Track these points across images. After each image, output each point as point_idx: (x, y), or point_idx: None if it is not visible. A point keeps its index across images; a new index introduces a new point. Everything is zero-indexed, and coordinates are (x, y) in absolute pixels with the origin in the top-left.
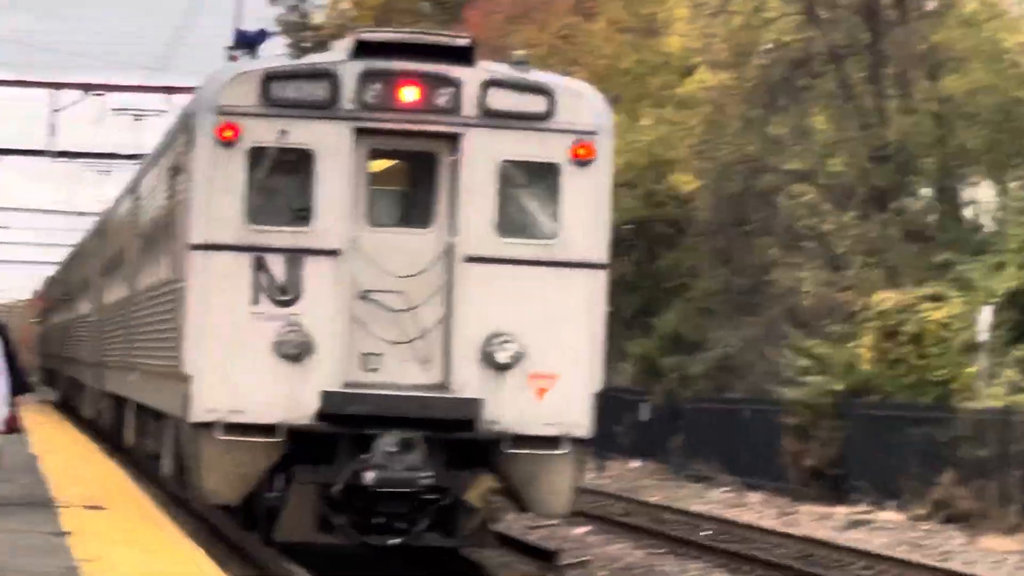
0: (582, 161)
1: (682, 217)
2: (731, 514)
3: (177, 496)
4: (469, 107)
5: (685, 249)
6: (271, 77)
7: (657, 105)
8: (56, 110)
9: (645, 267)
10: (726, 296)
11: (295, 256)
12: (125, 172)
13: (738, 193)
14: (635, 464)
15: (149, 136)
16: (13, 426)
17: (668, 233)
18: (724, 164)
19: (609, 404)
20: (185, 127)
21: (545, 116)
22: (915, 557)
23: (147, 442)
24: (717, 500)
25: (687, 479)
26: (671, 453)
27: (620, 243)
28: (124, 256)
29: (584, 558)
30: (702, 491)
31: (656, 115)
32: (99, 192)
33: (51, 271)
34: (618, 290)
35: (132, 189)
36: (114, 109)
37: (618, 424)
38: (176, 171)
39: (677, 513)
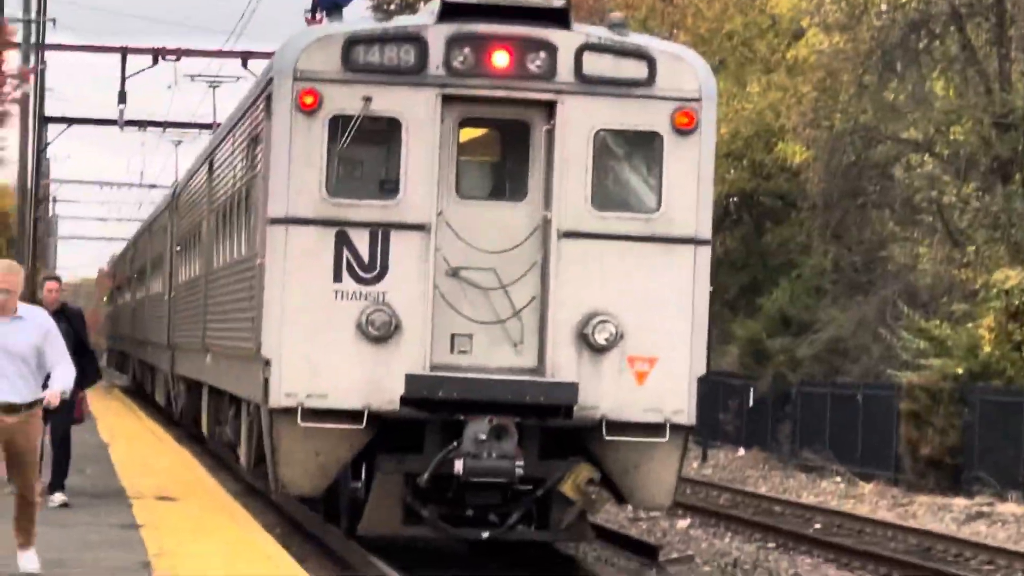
0: (684, 130)
1: (792, 190)
2: (843, 506)
3: (254, 487)
4: (564, 72)
5: (794, 224)
6: (354, 41)
7: (765, 71)
8: (126, 77)
9: (752, 243)
10: (838, 274)
11: (380, 231)
12: (198, 142)
13: (852, 164)
14: (741, 453)
15: (224, 104)
16: (78, 415)
17: (777, 207)
18: (837, 133)
19: (713, 389)
20: (262, 94)
21: (645, 82)
22: None
23: (223, 430)
24: (828, 491)
25: (796, 468)
26: (779, 441)
27: (725, 217)
28: (198, 232)
29: (687, 553)
30: (812, 481)
31: (764, 81)
32: (171, 163)
33: (120, 247)
34: (723, 268)
35: (206, 160)
36: (187, 75)
37: (723, 410)
38: (253, 141)
39: (786, 505)
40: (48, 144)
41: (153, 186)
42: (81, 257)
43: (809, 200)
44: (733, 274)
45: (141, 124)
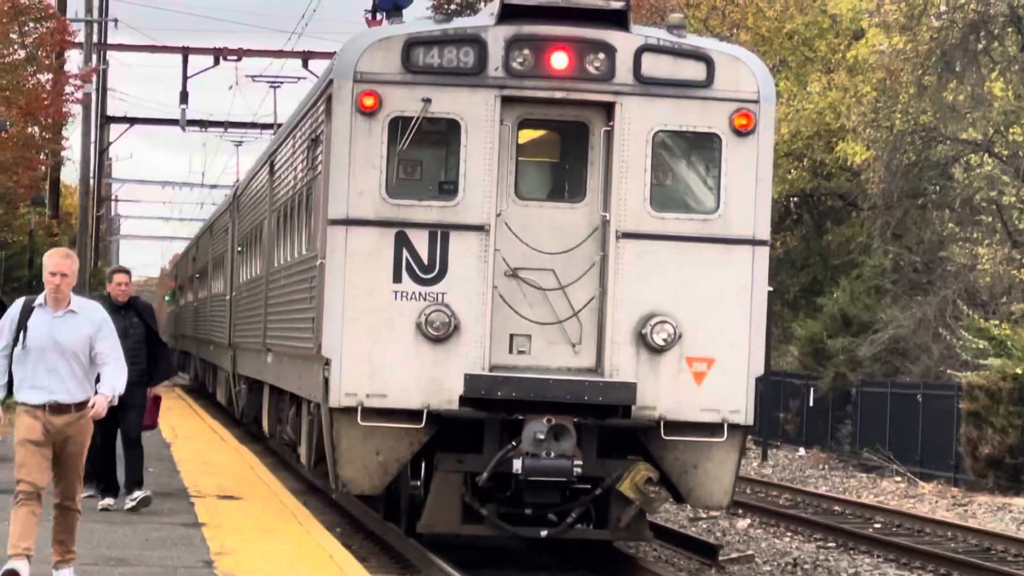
0: (742, 131)
1: (852, 190)
2: (903, 505)
3: (315, 486)
4: (623, 74)
5: (855, 224)
6: (413, 42)
7: (825, 70)
8: (188, 77)
9: (812, 243)
10: (898, 274)
11: (439, 232)
12: (259, 143)
13: (912, 164)
14: (801, 452)
15: (285, 104)
16: (150, 423)
17: (837, 207)
18: (897, 133)
19: (773, 389)
20: (323, 96)
21: (703, 84)
22: None
23: (284, 429)
24: (888, 491)
25: (856, 468)
26: (839, 441)
27: (786, 217)
28: (259, 232)
29: (747, 552)
30: (872, 481)
31: (825, 81)
32: (232, 163)
33: (181, 247)
34: (783, 267)
35: (267, 161)
36: (248, 76)
37: (783, 410)
38: (313, 142)
39: (846, 504)
40: (110, 144)
41: (214, 186)
42: (143, 256)
43: (869, 200)
44: (794, 274)
45: (202, 124)
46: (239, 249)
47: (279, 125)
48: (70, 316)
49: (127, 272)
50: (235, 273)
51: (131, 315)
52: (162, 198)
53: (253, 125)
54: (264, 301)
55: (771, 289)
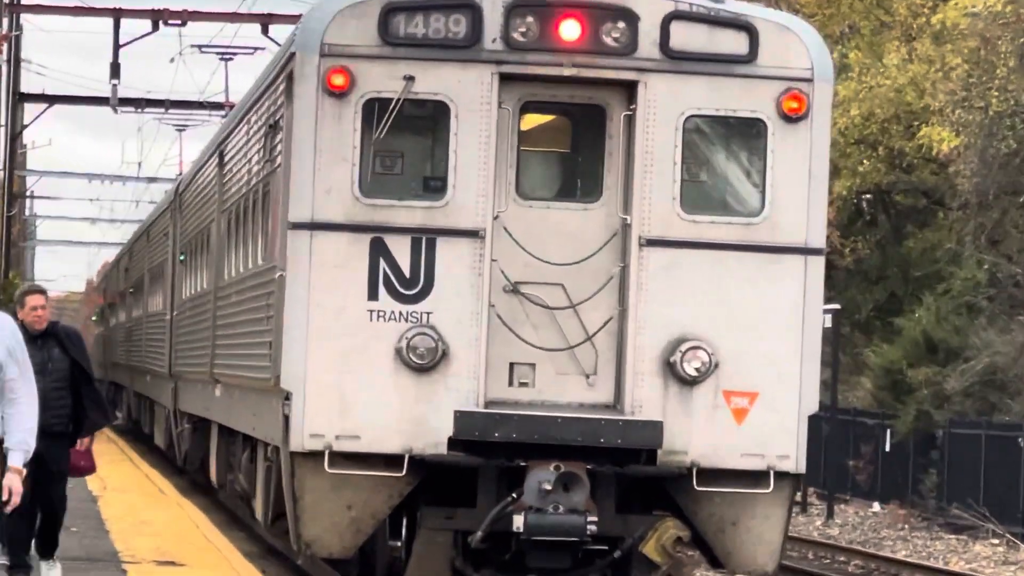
0: (793, 116)
1: (938, 185)
2: (1001, 574)
3: (275, 548)
4: (648, 47)
5: (942, 227)
6: (393, 8)
7: (906, 38)
8: (120, 45)
9: (889, 251)
10: (995, 288)
11: (424, 238)
12: (208, 128)
13: (1011, 153)
14: (875, 508)
15: (238, 81)
16: (87, 464)
17: (920, 206)
18: (993, 115)
19: (840, 430)
20: (282, 72)
21: (745, 59)
22: None
23: (236, 478)
24: (983, 556)
25: (943, 528)
26: (922, 494)
27: (856, 219)
28: (206, 237)
29: None
30: (963, 544)
31: (904, 51)
32: (174, 153)
33: (112, 254)
34: (853, 281)
35: (215, 151)
36: (194, 45)
37: (853, 456)
38: (271, 129)
39: (930, 573)
40: (24, 128)
41: (152, 180)
42: (64, 266)
43: (960, 197)
44: (866, 288)
45: (138, 104)
46: (182, 258)
47: (231, 106)
48: None
49: (43, 293)
50: (177, 287)
51: (51, 346)
52: (88, 194)
53: (200, 105)
54: (212, 322)
55: (838, 308)
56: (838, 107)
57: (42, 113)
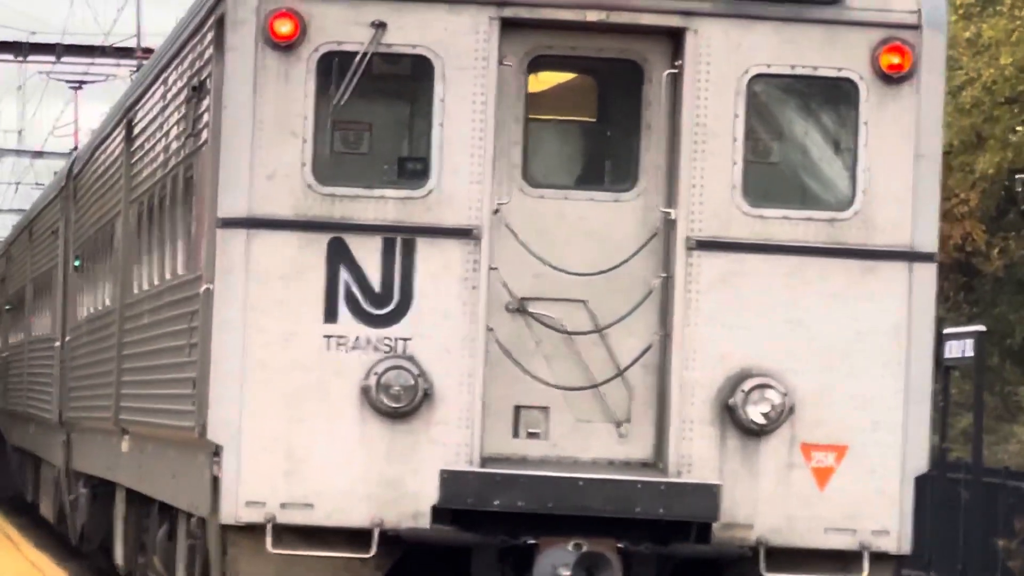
0: (894, 75)
1: None
2: None
3: None
4: None
5: None
6: None
7: None
8: None
9: None
10: None
11: (400, 239)
12: (114, 85)
13: None
14: None
15: (156, 20)
16: None
17: None
18: None
19: (986, 497)
20: (210, 15)
21: None
22: None
23: (150, 561)
24: None
25: None
26: None
27: (1007, 209)
28: (109, 236)
29: None
30: None
31: None
32: (67, 117)
33: None
34: (1003, 294)
35: (122, 118)
36: None
37: (1003, 533)
38: (196, 92)
39: None
40: None
41: (39, 155)
42: None
43: None
44: (1021, 304)
45: (19, 50)
46: (76, 264)
47: (146, 56)
48: None
49: None
50: (70, 304)
51: None
52: None
53: (102, 52)
54: (117, 352)
55: (983, 330)
56: (983, 53)
57: None
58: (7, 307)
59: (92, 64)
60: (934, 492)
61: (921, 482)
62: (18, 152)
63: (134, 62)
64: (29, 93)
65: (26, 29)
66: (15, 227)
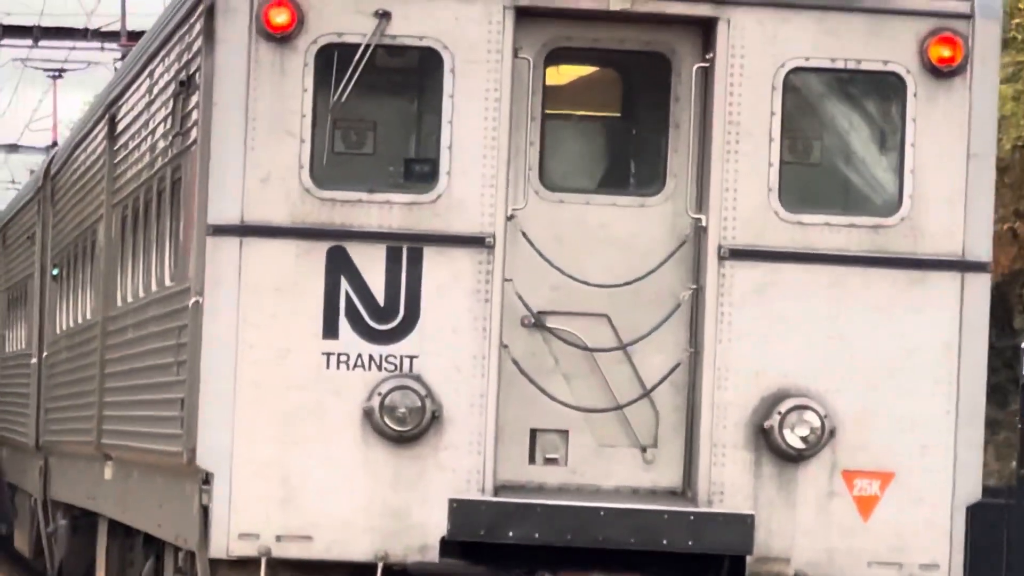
0: (945, 68)
1: None
2: None
3: None
4: None
5: None
6: None
7: None
8: None
9: None
10: None
11: (406, 248)
12: (97, 73)
13: None
14: None
15: (139, 7)
16: None
17: None
18: None
19: None
20: (199, 3)
21: None
22: None
23: None
24: None
25: None
26: None
27: None
28: (90, 243)
29: None
30: None
31: None
32: (46, 109)
33: None
34: None
35: (104, 114)
36: None
37: None
38: (184, 86)
39: None
40: None
41: (13, 149)
42: None
43: None
44: None
45: None
46: (55, 272)
47: (132, 42)
48: None
49: None
50: (48, 317)
51: None
52: None
53: (84, 35)
54: (99, 369)
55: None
56: None
57: None
58: None
59: (73, 49)
60: (1010, 519)
61: (975, 511)
62: None
63: (119, 48)
64: (3, 81)
65: (1, 10)
66: None
